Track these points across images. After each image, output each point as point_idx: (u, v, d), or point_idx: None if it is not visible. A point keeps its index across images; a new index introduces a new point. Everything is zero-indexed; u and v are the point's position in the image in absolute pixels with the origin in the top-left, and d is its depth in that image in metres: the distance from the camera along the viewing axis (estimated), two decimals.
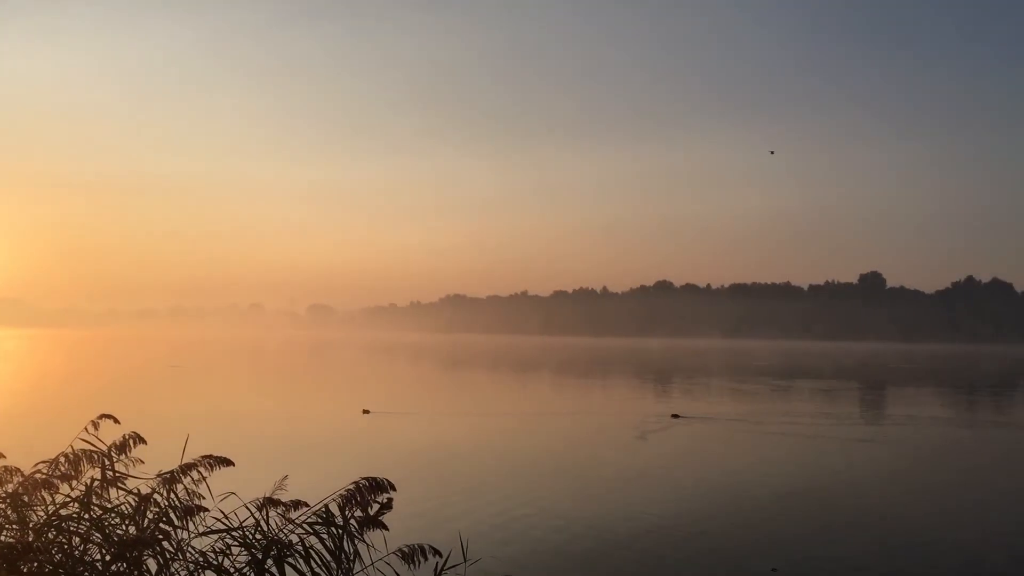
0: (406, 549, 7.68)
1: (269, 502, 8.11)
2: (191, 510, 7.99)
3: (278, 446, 33.73)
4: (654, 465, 30.73)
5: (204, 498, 8.38)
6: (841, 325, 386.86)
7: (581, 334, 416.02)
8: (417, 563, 7.72)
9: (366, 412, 46.79)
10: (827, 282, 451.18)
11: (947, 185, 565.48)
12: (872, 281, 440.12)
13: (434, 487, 24.41)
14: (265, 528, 7.92)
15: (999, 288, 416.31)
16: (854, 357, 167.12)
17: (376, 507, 7.87)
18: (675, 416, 45.83)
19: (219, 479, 8.50)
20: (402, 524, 15.00)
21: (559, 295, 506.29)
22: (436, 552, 7.82)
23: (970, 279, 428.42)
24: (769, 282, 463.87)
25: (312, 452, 32.30)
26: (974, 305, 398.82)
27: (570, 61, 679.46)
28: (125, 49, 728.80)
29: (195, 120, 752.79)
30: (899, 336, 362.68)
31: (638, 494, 24.72)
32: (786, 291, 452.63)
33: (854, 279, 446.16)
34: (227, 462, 8.34)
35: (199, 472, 8.32)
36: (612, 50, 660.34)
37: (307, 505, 8.04)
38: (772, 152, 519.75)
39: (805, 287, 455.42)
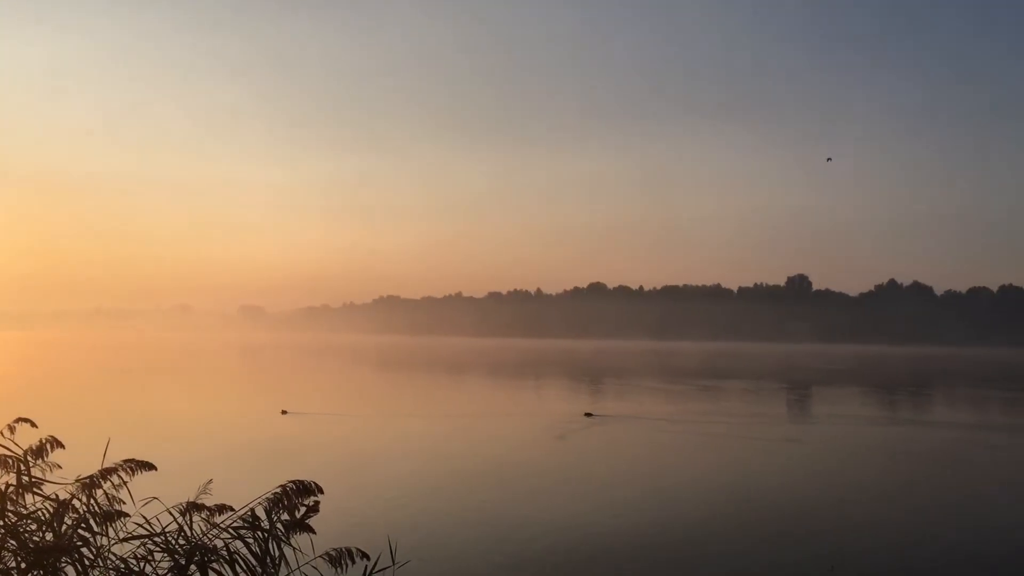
0: (333, 552, 7.63)
1: (193, 507, 7.97)
2: (111, 516, 7.80)
3: (202, 449, 33.14)
4: (570, 464, 31.24)
5: (125, 503, 8.19)
6: (768, 327, 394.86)
7: (515, 335, 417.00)
8: (345, 566, 7.68)
9: (284, 413, 46.62)
10: (756, 284, 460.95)
11: (872, 190, 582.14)
12: (799, 284, 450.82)
13: (361, 489, 24.25)
14: (189, 533, 7.78)
15: (919, 291, 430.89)
16: (777, 358, 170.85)
17: (303, 510, 7.80)
18: (588, 415, 46.75)
19: (141, 484, 8.32)
20: (329, 527, 14.82)
21: (494, 296, 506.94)
22: (364, 555, 7.78)
23: (892, 282, 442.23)
24: (700, 284, 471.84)
25: (237, 455, 31.82)
26: (895, 307, 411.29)
27: (516, 65, 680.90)
28: (57, 44, 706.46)
29: (125, 117, 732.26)
30: (823, 337, 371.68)
31: (557, 493, 25.11)
32: (716, 293, 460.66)
33: (782, 282, 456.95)
34: (149, 466, 8.16)
35: (120, 477, 8.12)
36: (561, 54, 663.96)
37: (232, 509, 7.92)
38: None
39: (735, 289, 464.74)
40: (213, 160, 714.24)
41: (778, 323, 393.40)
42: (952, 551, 19.03)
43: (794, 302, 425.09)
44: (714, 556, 18.18)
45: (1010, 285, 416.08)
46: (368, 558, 7.82)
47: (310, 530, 7.81)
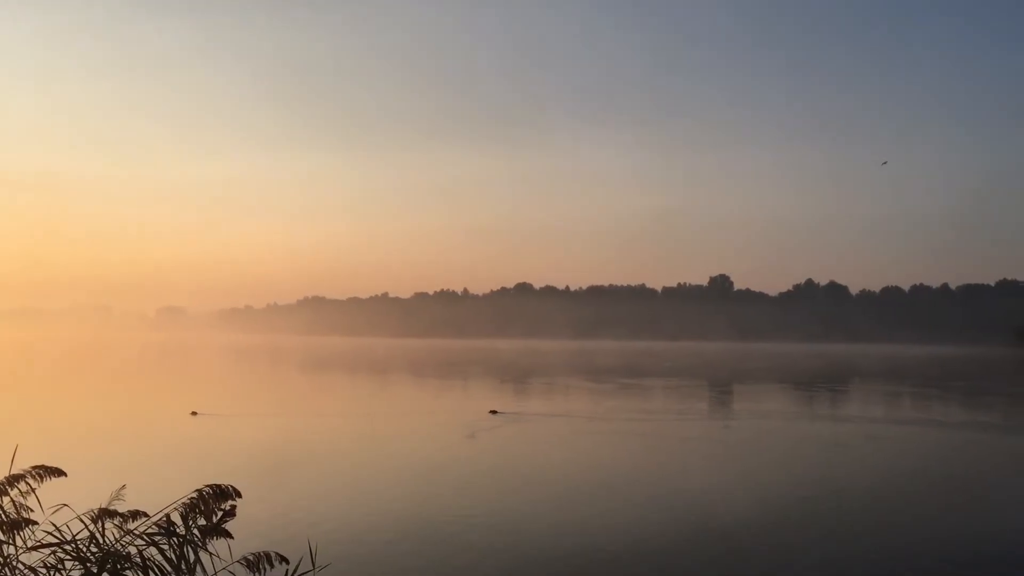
0: (251, 557, 7.57)
1: (105, 513, 7.83)
2: (19, 524, 7.62)
3: (115, 453, 32.30)
4: (477, 462, 31.52)
5: (34, 511, 8.00)
6: (690, 326, 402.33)
7: (441, 335, 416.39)
8: (263, 570, 7.63)
9: (194, 414, 45.94)
10: (679, 284, 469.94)
11: (792, 191, 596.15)
12: (721, 283, 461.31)
13: (279, 492, 23.98)
14: (101, 541, 7.63)
15: (836, 290, 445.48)
16: (698, 356, 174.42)
17: (220, 515, 7.72)
18: (493, 412, 47.40)
19: (50, 490, 8.12)
20: (248, 531, 14.74)
21: (420, 296, 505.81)
22: (283, 559, 7.74)
23: (809, 282, 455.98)
24: (625, 284, 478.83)
25: (151, 459, 31.11)
26: (813, 306, 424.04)
27: (434, 63, 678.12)
28: None
29: (35, 116, 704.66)
30: (743, 336, 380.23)
31: (468, 490, 25.33)
32: (641, 293, 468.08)
33: (704, 281, 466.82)
34: (59, 472, 7.98)
35: (28, 483, 7.93)
36: (475, 53, 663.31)
37: (146, 515, 7.80)
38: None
39: (659, 289, 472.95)
40: (132, 158, 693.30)
41: (700, 322, 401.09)
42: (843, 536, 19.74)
43: (716, 301, 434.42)
44: (603, 552, 18.47)
45: (920, 284, 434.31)
46: (287, 562, 7.78)
47: (227, 535, 7.74)
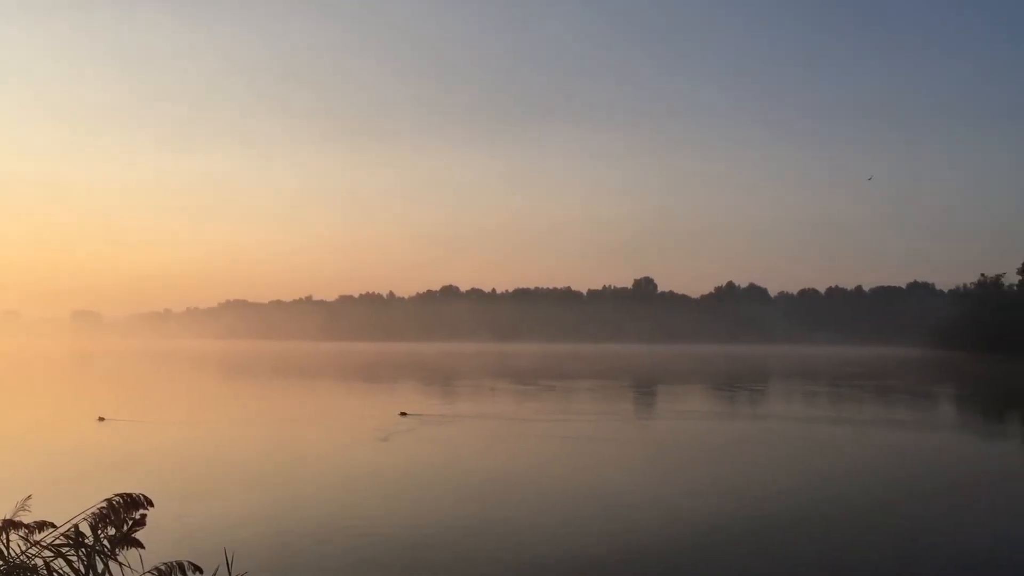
0: (163, 567, 7.41)
1: (10, 524, 7.59)
2: None
3: (19, 463, 31.27)
4: (391, 465, 31.47)
5: None
6: (613, 328, 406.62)
7: (366, 339, 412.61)
8: None
9: (101, 420, 44.91)
10: (604, 287, 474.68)
11: (714, 196, 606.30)
12: (645, 286, 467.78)
13: (190, 499, 23.54)
14: (6, 553, 7.40)
15: (756, 292, 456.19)
16: (621, 358, 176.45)
17: (130, 524, 7.55)
18: (403, 415, 47.49)
19: None
20: (160, 540, 14.38)
21: (345, 300, 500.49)
22: (196, 568, 7.60)
23: (731, 284, 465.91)
24: (551, 287, 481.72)
25: (57, 467, 30.23)
26: (733, 308, 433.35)
27: (371, 66, 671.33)
28: None
29: None
30: (666, 338, 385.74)
31: (380, 493, 25.39)
32: (567, 296, 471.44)
33: (629, 284, 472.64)
34: None
35: None
36: (421, 57, 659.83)
37: (54, 526, 7.58)
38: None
39: (584, 292, 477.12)
40: (29, 161, 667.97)
41: (624, 324, 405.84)
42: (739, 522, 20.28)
43: (640, 304, 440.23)
44: (495, 552, 18.64)
45: (836, 287, 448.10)
46: (201, 571, 7.64)
47: (138, 544, 7.57)
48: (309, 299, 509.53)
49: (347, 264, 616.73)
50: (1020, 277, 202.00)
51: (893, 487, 27.98)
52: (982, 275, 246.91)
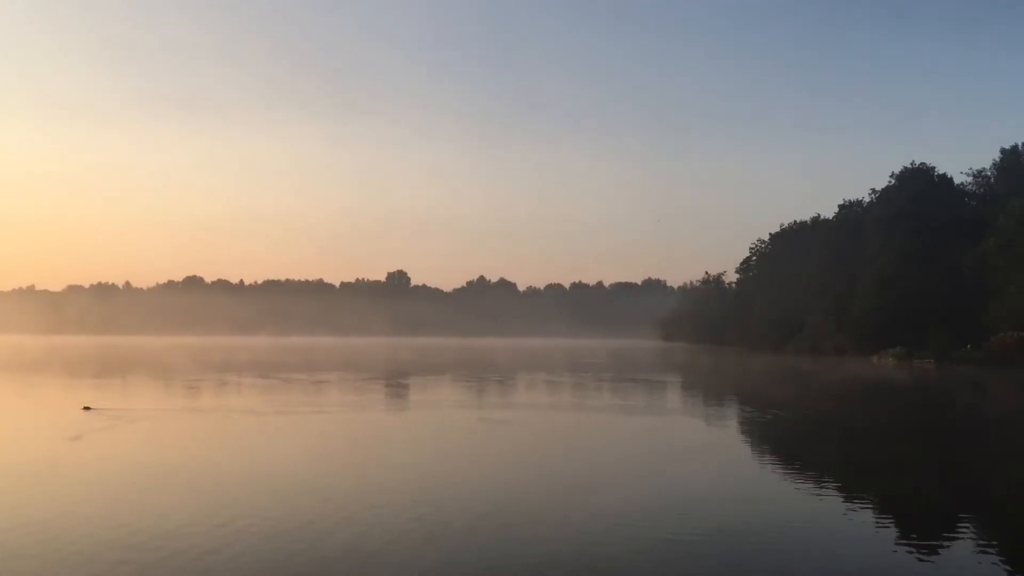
0: None
1: None
2: None
3: None
4: (86, 462, 28.47)
5: None
6: (364, 321, 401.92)
7: (98, 332, 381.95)
8: None
9: None
10: (358, 280, 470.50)
11: (469, 188, 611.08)
12: (398, 279, 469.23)
13: None
14: None
15: (505, 287, 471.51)
16: (367, 350, 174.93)
17: None
18: (87, 408, 43.74)
19: None
20: None
21: (74, 290, 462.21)
22: None
23: (481, 278, 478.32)
24: (303, 279, 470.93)
25: None
26: (483, 301, 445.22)
27: (126, 44, 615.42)
28: None
29: None
30: (415, 330, 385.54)
31: (77, 492, 22.54)
32: (319, 288, 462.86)
33: (383, 277, 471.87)
34: None
35: None
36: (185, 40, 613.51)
37: None
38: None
39: (337, 284, 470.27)
40: None
41: (374, 317, 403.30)
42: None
43: (392, 297, 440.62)
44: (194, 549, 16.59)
45: (579, 282, 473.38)
46: None
47: None
48: (32, 289, 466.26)
49: (74, 252, 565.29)
50: (738, 276, 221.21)
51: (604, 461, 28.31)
52: (706, 273, 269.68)
